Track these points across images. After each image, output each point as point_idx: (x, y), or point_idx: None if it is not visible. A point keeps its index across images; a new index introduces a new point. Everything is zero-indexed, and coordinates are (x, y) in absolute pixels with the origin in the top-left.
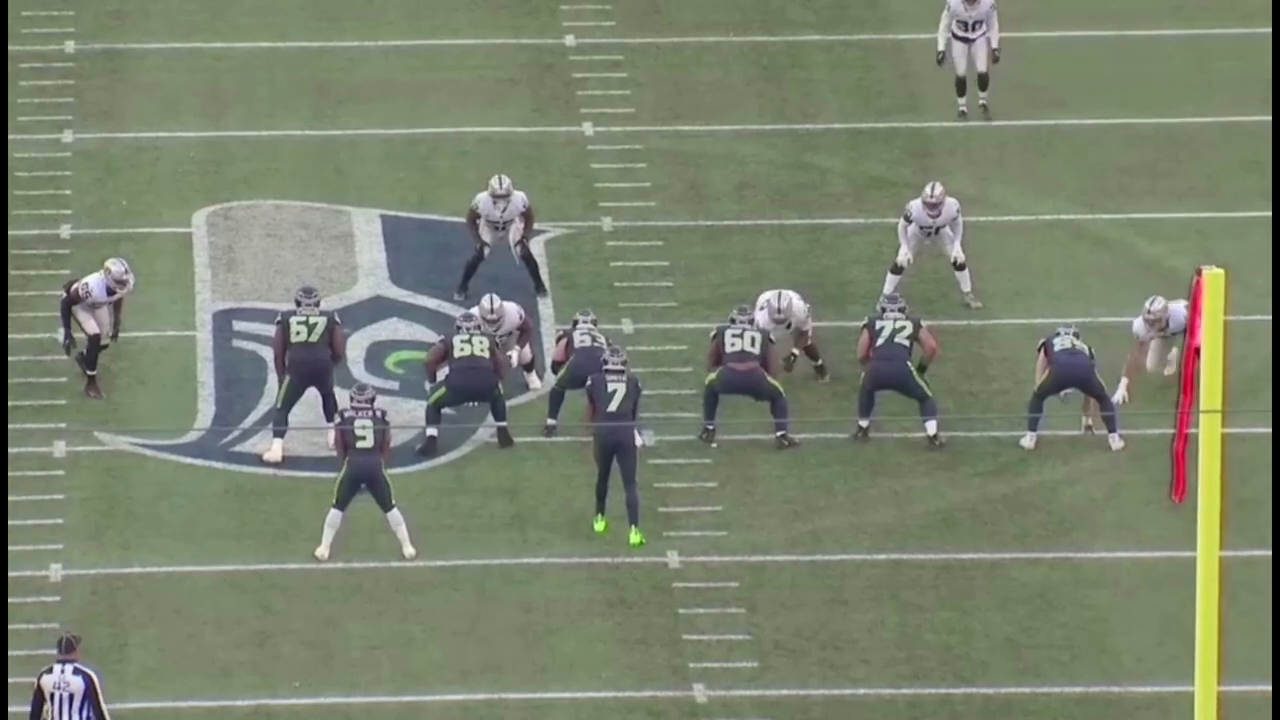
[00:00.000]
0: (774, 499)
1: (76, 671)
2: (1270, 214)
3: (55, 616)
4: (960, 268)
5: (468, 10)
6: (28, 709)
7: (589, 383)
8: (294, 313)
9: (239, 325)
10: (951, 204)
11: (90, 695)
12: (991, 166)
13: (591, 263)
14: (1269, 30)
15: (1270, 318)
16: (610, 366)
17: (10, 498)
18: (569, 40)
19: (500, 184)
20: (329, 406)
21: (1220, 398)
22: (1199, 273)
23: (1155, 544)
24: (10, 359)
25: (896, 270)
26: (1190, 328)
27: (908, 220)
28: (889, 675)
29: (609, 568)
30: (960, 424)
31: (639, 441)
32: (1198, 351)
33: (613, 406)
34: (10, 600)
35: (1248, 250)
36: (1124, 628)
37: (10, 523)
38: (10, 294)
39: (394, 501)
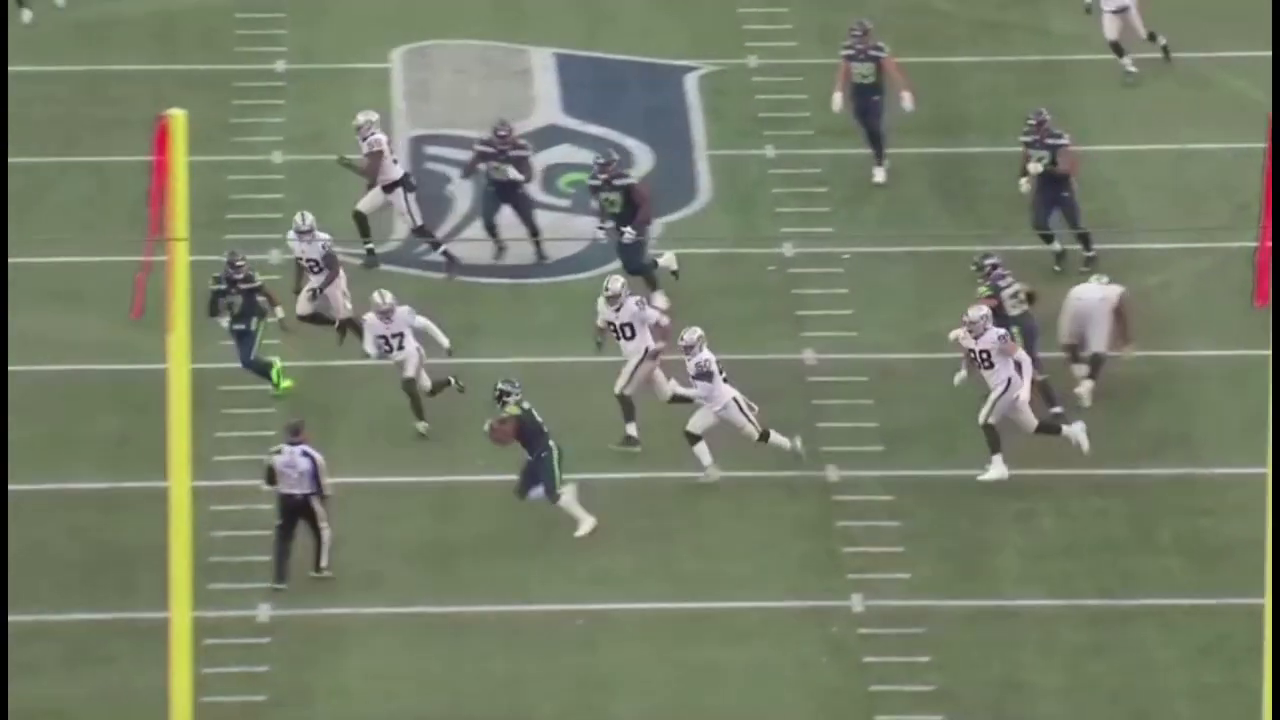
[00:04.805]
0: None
1: (304, 454)
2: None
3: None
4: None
5: None
6: None
7: None
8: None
9: (431, 150)
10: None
11: (315, 472)
12: None
13: (740, 96)
14: None
15: None
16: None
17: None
18: None
19: None
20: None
21: None
22: None
23: (1236, 343)
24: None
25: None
26: None
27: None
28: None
29: None
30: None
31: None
32: None
33: None
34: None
35: None
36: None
37: (229, 432)
38: (235, 121)
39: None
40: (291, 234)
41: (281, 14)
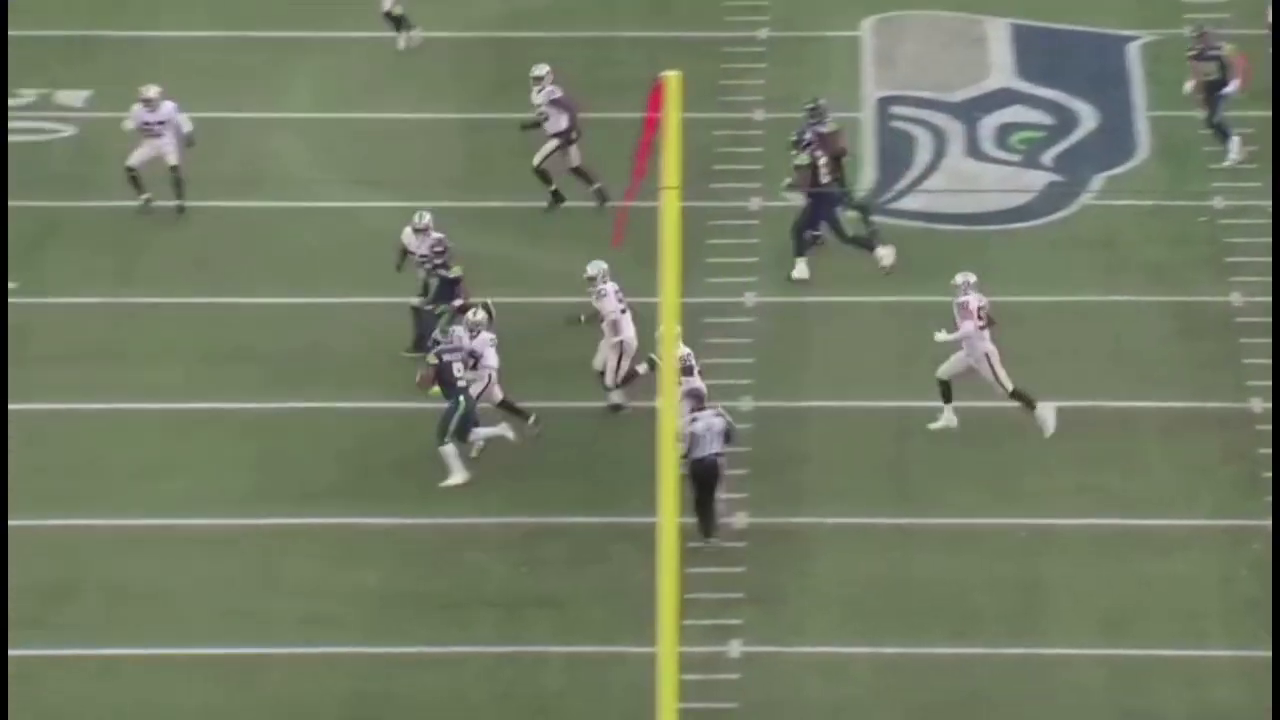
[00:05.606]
0: None
1: (718, 415)
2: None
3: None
4: None
5: None
6: None
7: None
8: None
9: (895, 109)
10: None
11: (727, 430)
12: None
13: (1177, 63)
14: None
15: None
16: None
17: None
18: None
19: None
20: None
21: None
22: None
23: None
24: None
25: None
26: None
27: None
28: None
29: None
30: None
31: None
32: None
33: None
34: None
35: None
36: None
37: (709, 359)
38: (722, 83)
39: None
40: (408, 230)
41: None
